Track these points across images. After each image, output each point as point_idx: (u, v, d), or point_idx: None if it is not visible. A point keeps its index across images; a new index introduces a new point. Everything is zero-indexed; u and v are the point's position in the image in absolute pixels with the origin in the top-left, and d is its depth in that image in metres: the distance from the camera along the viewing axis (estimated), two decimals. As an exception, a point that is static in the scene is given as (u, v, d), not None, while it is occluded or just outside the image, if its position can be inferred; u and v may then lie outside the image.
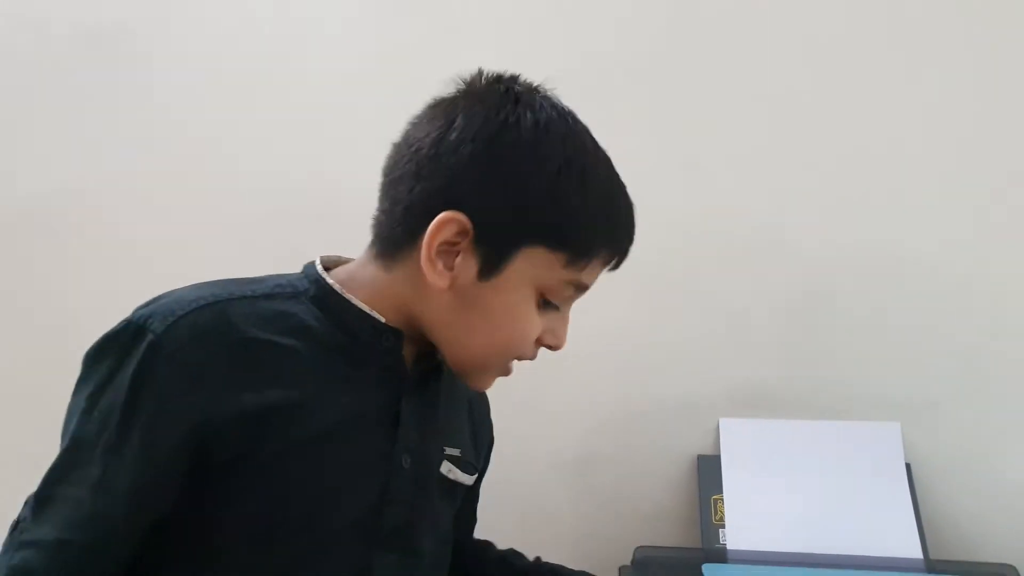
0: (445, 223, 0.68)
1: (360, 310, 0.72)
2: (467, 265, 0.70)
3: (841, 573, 1.21)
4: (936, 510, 1.36)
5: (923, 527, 1.32)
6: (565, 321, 0.76)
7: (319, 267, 0.75)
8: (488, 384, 0.80)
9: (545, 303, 0.73)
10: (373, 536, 0.71)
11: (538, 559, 1.08)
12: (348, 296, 0.73)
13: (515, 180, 0.69)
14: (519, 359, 0.76)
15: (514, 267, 0.70)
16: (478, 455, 0.89)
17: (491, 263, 0.69)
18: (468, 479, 0.84)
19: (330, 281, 0.73)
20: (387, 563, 0.73)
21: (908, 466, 1.36)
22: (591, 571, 0.99)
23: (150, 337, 0.62)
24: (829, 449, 1.38)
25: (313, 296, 0.72)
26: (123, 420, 0.61)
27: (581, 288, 0.74)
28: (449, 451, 0.81)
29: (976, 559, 1.32)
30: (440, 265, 0.69)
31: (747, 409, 1.31)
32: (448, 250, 0.69)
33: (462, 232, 0.69)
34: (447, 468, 0.80)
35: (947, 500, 1.37)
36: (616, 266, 0.76)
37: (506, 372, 0.77)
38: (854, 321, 1.31)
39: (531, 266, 0.70)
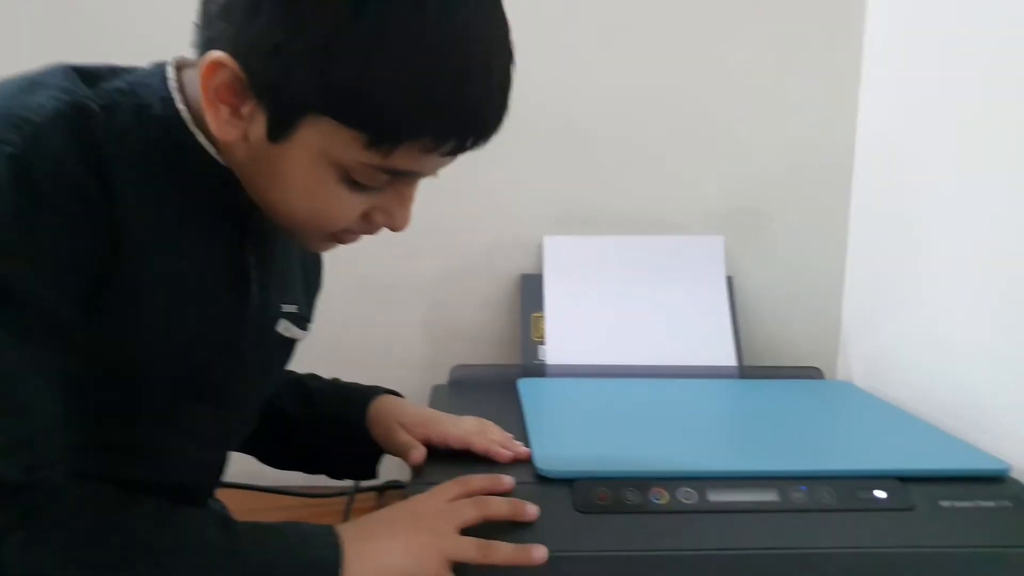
0: (213, 67, 0.57)
1: (202, 148, 0.63)
2: (256, 120, 0.59)
3: (655, 382, 1.21)
4: (752, 320, 1.38)
5: (739, 337, 1.33)
6: (404, 200, 0.65)
7: (171, 79, 0.64)
8: (318, 249, 0.76)
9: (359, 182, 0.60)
10: (210, 392, 0.69)
11: (335, 379, 1.03)
12: (193, 131, 0.63)
13: (293, 25, 0.54)
14: (347, 233, 0.67)
15: (301, 136, 0.58)
16: (311, 306, 0.84)
17: (277, 124, 0.58)
18: (302, 334, 0.81)
19: (180, 107, 0.63)
20: (221, 419, 0.73)
21: (729, 279, 1.36)
22: (408, 392, 0.98)
23: (9, 151, 0.52)
24: (653, 264, 1.38)
25: (158, 117, 0.62)
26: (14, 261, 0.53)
27: (402, 174, 0.62)
28: (286, 308, 0.77)
29: (786, 364, 1.36)
30: (226, 112, 0.59)
31: (572, 227, 1.26)
32: (233, 99, 0.58)
33: (236, 80, 0.57)
34: (284, 327, 0.77)
35: (762, 311, 1.39)
36: (458, 152, 0.61)
37: (337, 242, 0.68)
38: (675, 135, 1.26)
39: (320, 139, 0.58)
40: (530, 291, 1.29)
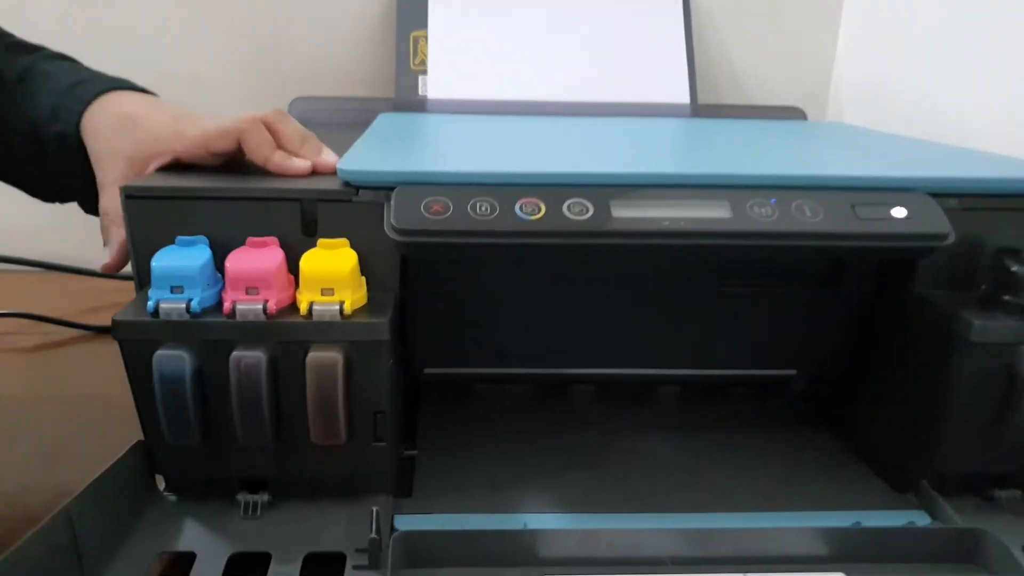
0: None
1: None
2: None
3: (575, 120, 0.85)
4: (717, 53, 1.02)
5: (694, 68, 0.97)
6: None
7: None
8: None
9: None
10: None
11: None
12: None
13: None
14: None
15: None
16: None
17: None
18: None
19: None
20: None
21: (685, 2, 0.99)
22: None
23: None
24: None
25: None
26: None
27: None
28: None
29: (757, 103, 1.00)
30: None
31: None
32: None
33: None
34: None
35: (730, 40, 1.02)
36: None
37: None
38: None
39: None
40: (409, 4, 0.91)
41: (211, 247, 0.51)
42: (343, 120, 0.98)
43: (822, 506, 0.58)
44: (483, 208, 0.52)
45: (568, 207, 0.52)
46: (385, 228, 0.51)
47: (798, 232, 0.52)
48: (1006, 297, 0.53)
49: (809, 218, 0.53)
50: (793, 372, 0.73)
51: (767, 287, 0.64)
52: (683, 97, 1.03)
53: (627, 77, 1.05)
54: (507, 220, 0.51)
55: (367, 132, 0.69)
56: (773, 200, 0.54)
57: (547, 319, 0.66)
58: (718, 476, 0.62)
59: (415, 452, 0.62)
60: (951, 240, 0.52)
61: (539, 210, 0.52)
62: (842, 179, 0.55)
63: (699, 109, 1.01)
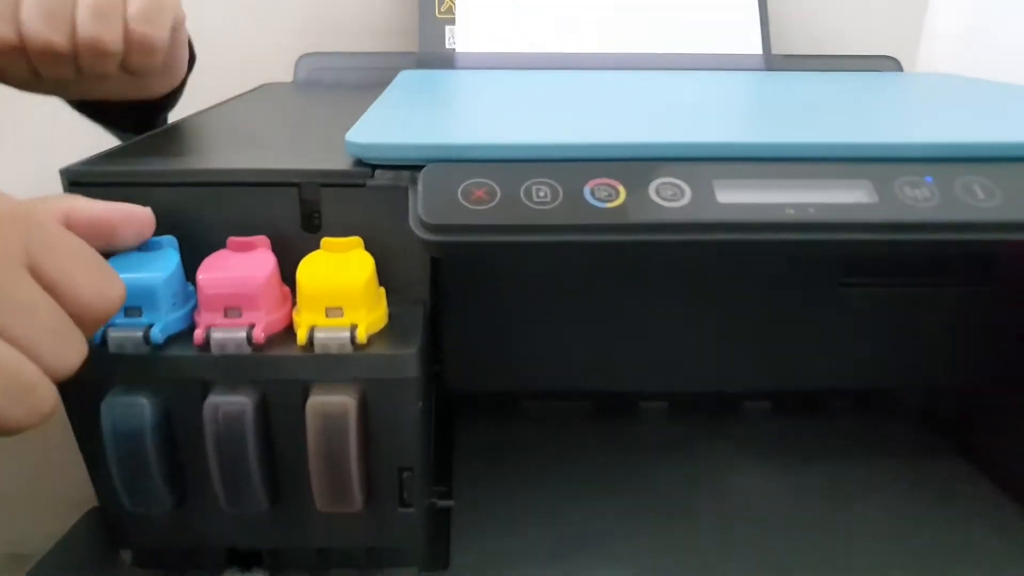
0: None
1: None
2: None
3: (632, 73, 0.71)
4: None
5: (767, 15, 0.82)
6: None
7: None
8: None
9: None
10: None
11: None
12: None
13: None
14: None
15: None
16: None
17: None
18: None
19: None
20: None
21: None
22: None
23: None
24: None
25: None
26: None
27: None
28: None
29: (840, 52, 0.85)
30: None
31: None
32: None
33: None
34: None
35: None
36: None
37: None
38: None
39: None
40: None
41: (181, 251, 0.38)
42: (358, 80, 0.85)
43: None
44: (541, 193, 0.38)
45: (656, 190, 0.39)
46: (410, 222, 0.38)
47: (972, 223, 0.38)
48: None
49: (983, 202, 0.39)
50: (912, 385, 0.59)
51: (898, 287, 0.50)
52: (754, 47, 0.88)
53: (685, 24, 0.90)
54: (575, 209, 0.38)
55: (385, 94, 0.55)
56: (929, 178, 0.40)
57: (613, 326, 0.53)
58: (848, 529, 0.49)
59: (451, 503, 0.49)
60: None
61: (617, 194, 0.39)
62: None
63: (774, 60, 0.86)
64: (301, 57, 0.86)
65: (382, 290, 0.39)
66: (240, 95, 0.68)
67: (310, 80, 0.86)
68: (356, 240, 0.39)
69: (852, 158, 0.41)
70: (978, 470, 0.54)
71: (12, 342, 0.28)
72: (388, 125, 0.45)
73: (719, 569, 0.45)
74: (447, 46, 0.89)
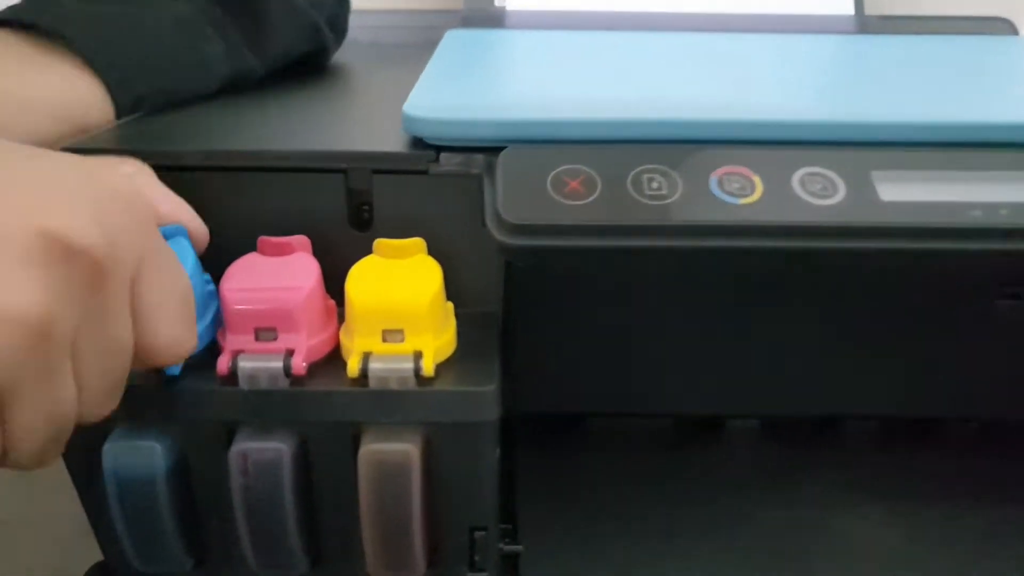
0: None
1: None
2: None
3: (705, 36, 0.62)
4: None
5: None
6: None
7: None
8: None
9: None
10: None
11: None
12: None
13: None
14: None
15: None
16: None
17: None
18: None
19: None
20: None
21: None
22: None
23: None
24: None
25: None
26: None
27: None
28: None
29: (946, 12, 0.76)
30: None
31: None
32: None
33: None
34: None
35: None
36: None
37: None
38: None
39: None
40: None
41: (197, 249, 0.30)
42: (397, 41, 0.76)
43: None
44: (655, 184, 0.30)
45: (801, 181, 0.30)
46: (487, 220, 0.30)
47: None
48: None
49: None
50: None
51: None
52: (846, 6, 0.79)
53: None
54: (699, 205, 0.29)
55: (435, 58, 0.47)
56: None
57: (711, 345, 0.44)
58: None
59: (519, 548, 0.41)
60: None
61: (752, 188, 0.30)
62: None
63: (868, 22, 0.77)
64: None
65: (450, 306, 0.31)
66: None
67: (353, 39, 0.77)
68: (418, 242, 0.31)
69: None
70: None
71: (78, 378, 0.22)
72: (453, 96, 0.37)
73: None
74: (496, 3, 0.81)
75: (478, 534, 0.32)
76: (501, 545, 0.40)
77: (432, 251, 0.32)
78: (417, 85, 0.38)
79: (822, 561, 0.42)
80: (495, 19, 0.78)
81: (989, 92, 0.41)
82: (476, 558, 0.32)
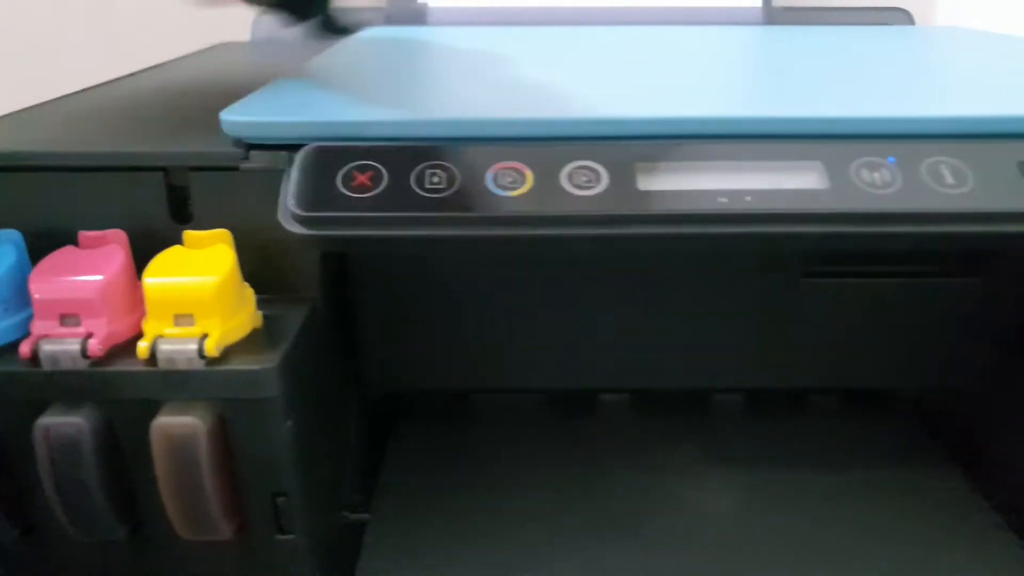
0: None
1: None
2: None
3: (614, 29, 0.65)
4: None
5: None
6: None
7: None
8: None
9: None
10: None
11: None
12: None
13: None
14: None
15: None
16: None
17: None
18: None
19: None
20: None
21: None
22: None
23: None
24: None
25: None
26: None
27: None
28: None
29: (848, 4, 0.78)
30: None
31: None
32: None
33: None
34: None
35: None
36: None
37: None
38: None
39: None
40: None
41: (33, 248, 0.34)
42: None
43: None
44: (435, 179, 0.33)
45: (569, 175, 0.33)
46: (279, 213, 0.33)
47: (936, 213, 0.32)
48: None
49: (952, 188, 0.33)
50: (895, 385, 0.53)
51: (871, 277, 0.44)
52: (752, -1, 0.81)
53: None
54: (473, 198, 0.32)
55: (314, 59, 0.49)
56: (892, 159, 0.34)
57: (560, 318, 0.47)
58: (815, 546, 0.44)
59: (366, 516, 0.44)
60: None
61: (523, 181, 0.33)
62: (1004, 120, 0.34)
63: (774, 13, 0.79)
64: (259, 17, 0.80)
65: (249, 292, 0.34)
66: (179, 58, 0.63)
67: (270, 39, 0.80)
68: (220, 234, 0.34)
69: (801, 135, 0.34)
70: (966, 476, 0.49)
71: None
72: (276, 99, 0.39)
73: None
74: (419, 0, 0.83)
75: (280, 500, 0.35)
76: (347, 514, 0.43)
77: (249, 242, 0.35)
78: (262, 88, 0.41)
79: (665, 526, 0.45)
80: (416, 16, 0.81)
81: (777, 87, 0.43)
82: (282, 521, 0.35)
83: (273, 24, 0.81)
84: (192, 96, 0.48)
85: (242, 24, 0.81)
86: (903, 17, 0.79)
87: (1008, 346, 0.45)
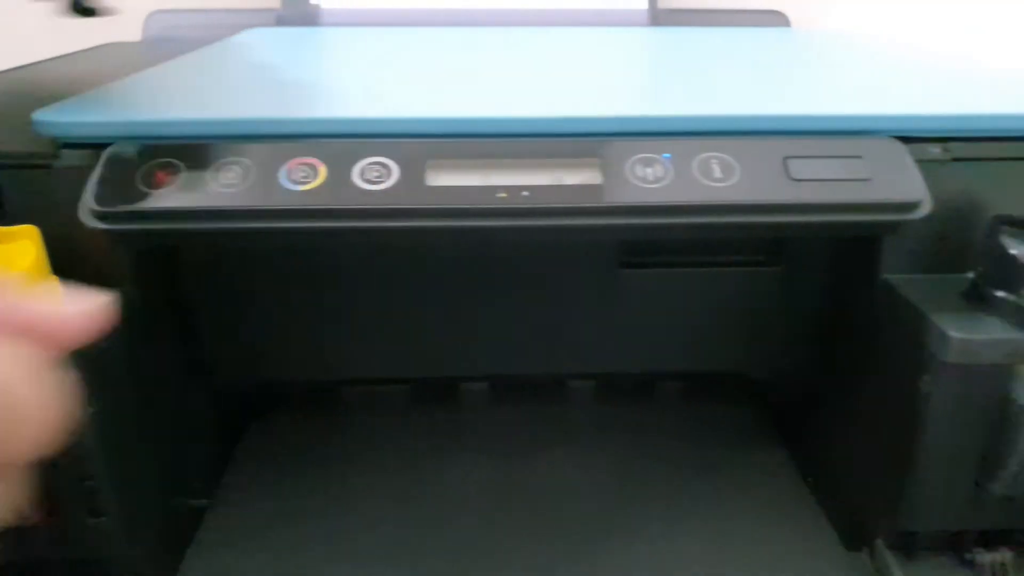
0: None
1: None
2: None
3: (498, 30, 0.67)
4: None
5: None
6: None
7: None
8: None
9: None
10: None
11: None
12: None
13: None
14: None
15: None
16: None
17: None
18: None
19: None
20: None
21: None
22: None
23: None
24: None
25: None
26: None
27: None
28: None
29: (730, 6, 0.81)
30: None
31: None
32: None
33: None
34: None
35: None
36: None
37: None
38: None
39: None
40: None
41: None
42: (211, 40, 0.80)
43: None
44: (231, 175, 0.35)
45: (361, 171, 0.35)
46: (79, 210, 0.34)
47: (702, 205, 0.35)
48: (1000, 293, 0.35)
49: (719, 182, 0.35)
50: (741, 370, 0.56)
51: (684, 268, 0.47)
52: (640, 1, 0.83)
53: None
54: (264, 192, 0.34)
55: (173, 61, 0.51)
56: (667, 155, 0.36)
57: (402, 311, 0.49)
58: (639, 521, 0.46)
59: (204, 503, 0.46)
60: (925, 211, 0.35)
61: (315, 176, 0.35)
62: (768, 119, 0.37)
63: (659, 15, 0.81)
64: (151, 15, 0.81)
65: (55, 285, 0.36)
66: (47, 59, 0.64)
67: (161, 38, 0.81)
68: (23, 229, 0.35)
69: (582, 134, 0.37)
70: (797, 462, 0.51)
71: None
72: (96, 100, 0.41)
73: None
74: (312, 1, 0.84)
75: (88, 483, 0.36)
76: (185, 500, 0.44)
77: (62, 239, 0.37)
78: (101, 87, 0.42)
79: (511, 516, 0.47)
80: (309, 17, 0.82)
81: (576, 89, 0.46)
82: (96, 505, 0.37)
83: (165, 23, 0.82)
84: (21, 97, 0.49)
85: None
86: (780, 20, 0.82)
87: (815, 331, 0.48)
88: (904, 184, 0.36)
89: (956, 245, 0.38)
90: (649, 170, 0.36)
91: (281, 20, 0.82)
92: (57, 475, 0.36)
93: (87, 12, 0.46)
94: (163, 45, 0.78)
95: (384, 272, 0.48)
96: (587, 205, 0.35)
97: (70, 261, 0.37)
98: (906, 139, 0.37)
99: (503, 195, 0.35)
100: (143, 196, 0.34)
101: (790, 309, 0.47)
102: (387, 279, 0.48)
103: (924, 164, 0.37)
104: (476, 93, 0.43)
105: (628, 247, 0.46)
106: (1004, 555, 0.41)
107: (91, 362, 0.33)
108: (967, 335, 0.35)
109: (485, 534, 0.45)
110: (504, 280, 0.48)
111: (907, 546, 0.41)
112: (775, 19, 0.82)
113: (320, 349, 0.51)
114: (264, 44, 0.60)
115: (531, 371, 0.53)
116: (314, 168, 0.36)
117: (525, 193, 0.35)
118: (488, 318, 0.49)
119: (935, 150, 0.37)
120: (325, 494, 0.48)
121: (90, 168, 0.36)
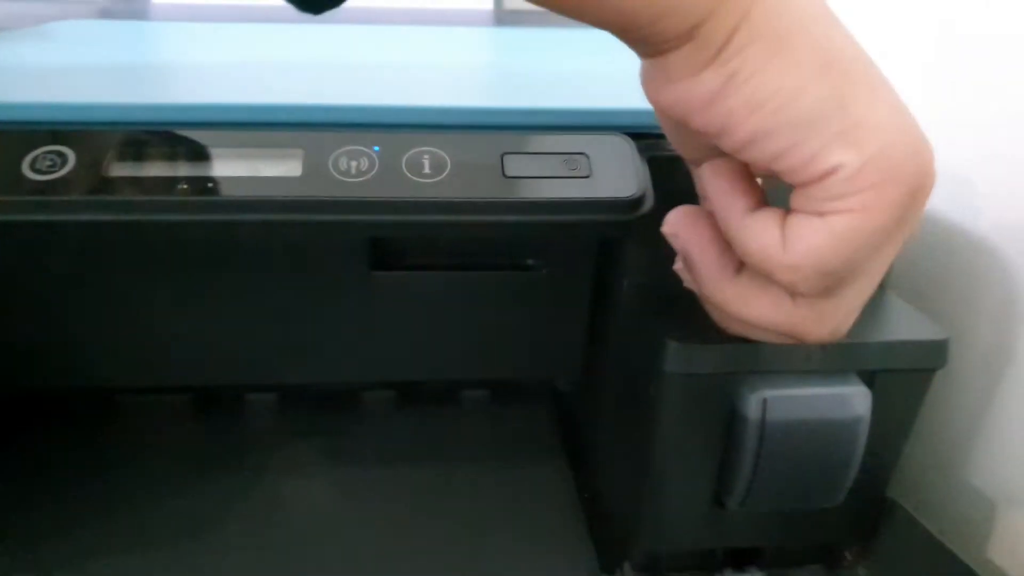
0: None
1: None
2: None
3: (324, 27, 0.64)
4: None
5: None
6: None
7: None
8: None
9: None
10: None
11: None
12: None
13: None
14: None
15: None
16: None
17: None
18: None
19: None
20: None
21: None
22: None
23: None
24: None
25: None
26: None
27: None
28: None
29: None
30: None
31: None
32: None
33: None
34: None
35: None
36: None
37: None
38: None
39: None
40: None
41: None
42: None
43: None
44: (48, 163, 0.32)
45: (32, 161, 0.32)
46: None
47: (399, 202, 0.32)
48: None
49: (427, 177, 0.33)
50: (542, 378, 0.54)
51: (441, 271, 0.44)
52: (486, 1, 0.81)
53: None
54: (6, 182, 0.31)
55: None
56: (377, 148, 0.33)
57: (162, 313, 0.46)
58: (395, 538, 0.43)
59: None
60: (647, 208, 0.33)
61: (64, 164, 0.32)
62: (485, 112, 0.35)
63: (505, 16, 0.80)
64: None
65: None
66: None
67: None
68: None
69: (283, 123, 0.34)
70: (569, 464, 0.49)
71: None
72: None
73: None
74: (146, -8, 0.81)
75: None
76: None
77: None
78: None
79: (257, 524, 0.44)
80: (137, 11, 0.78)
81: (321, 77, 0.43)
82: None
83: None
84: None
85: None
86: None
87: (586, 334, 0.46)
88: (626, 181, 0.34)
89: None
90: (354, 163, 0.33)
91: (104, 13, 0.78)
92: None
93: None
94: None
95: (135, 271, 0.44)
96: (276, 198, 0.32)
97: None
98: (637, 135, 0.35)
99: (184, 187, 0.32)
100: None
101: (560, 315, 0.45)
102: (139, 280, 0.45)
103: (657, 162, 0.35)
104: (192, 84, 0.40)
105: (381, 247, 0.43)
106: (754, 574, 0.39)
107: None
108: (685, 343, 0.33)
109: (220, 557, 0.42)
110: (267, 283, 0.45)
111: (654, 568, 0.39)
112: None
113: (75, 356, 0.47)
114: (69, 35, 0.56)
115: (312, 380, 0.50)
116: (62, 156, 0.32)
117: (209, 185, 0.32)
118: (249, 324, 0.46)
119: (670, 147, 0.35)
120: (83, 508, 0.44)
121: None
